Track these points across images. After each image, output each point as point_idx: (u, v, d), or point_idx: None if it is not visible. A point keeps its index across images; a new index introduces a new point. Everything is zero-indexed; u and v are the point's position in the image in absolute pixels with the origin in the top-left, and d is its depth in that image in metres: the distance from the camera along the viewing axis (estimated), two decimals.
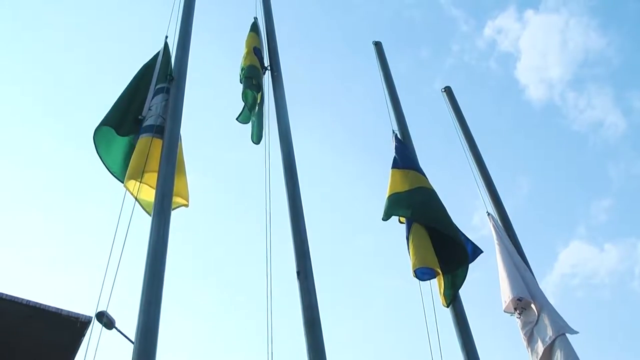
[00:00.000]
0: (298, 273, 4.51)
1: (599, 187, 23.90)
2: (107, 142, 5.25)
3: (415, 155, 6.89)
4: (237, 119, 6.58)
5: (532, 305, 5.78)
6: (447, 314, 5.45)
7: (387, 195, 6.30)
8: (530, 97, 24.68)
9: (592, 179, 24.22)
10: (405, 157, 6.70)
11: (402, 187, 6.29)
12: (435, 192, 6.31)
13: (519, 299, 5.81)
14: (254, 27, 7.41)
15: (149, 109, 5.33)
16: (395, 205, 6.17)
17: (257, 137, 6.38)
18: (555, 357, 5.32)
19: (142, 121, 5.27)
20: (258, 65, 6.69)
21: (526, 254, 6.39)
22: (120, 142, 5.31)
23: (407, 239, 5.90)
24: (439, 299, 5.63)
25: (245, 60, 6.75)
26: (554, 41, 24.27)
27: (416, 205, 6.06)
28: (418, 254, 5.67)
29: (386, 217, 6.15)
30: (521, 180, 23.86)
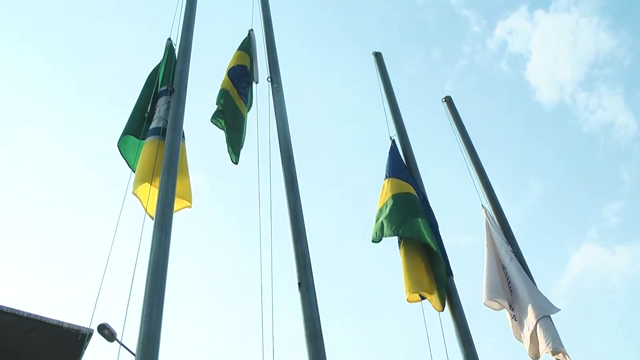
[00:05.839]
0: (299, 285, 4.47)
1: (611, 190, 23.76)
2: (132, 152, 5.34)
3: (403, 163, 6.87)
4: (212, 120, 6.23)
5: (517, 295, 5.87)
6: (449, 325, 5.42)
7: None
8: (540, 98, 24.62)
9: (604, 181, 24.08)
10: (388, 166, 6.74)
11: (379, 204, 6.33)
12: (411, 196, 6.22)
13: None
14: (243, 44, 7.29)
15: (155, 111, 5.43)
16: (379, 228, 6.10)
17: (235, 157, 6.05)
18: (539, 338, 5.45)
19: (146, 123, 5.36)
20: (229, 87, 6.52)
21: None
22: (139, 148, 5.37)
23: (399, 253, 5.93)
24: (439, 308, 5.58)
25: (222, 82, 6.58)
26: (564, 42, 24.21)
27: (391, 221, 6.02)
28: (410, 277, 5.64)
29: (377, 239, 6.08)
30: (532, 182, 23.76)
